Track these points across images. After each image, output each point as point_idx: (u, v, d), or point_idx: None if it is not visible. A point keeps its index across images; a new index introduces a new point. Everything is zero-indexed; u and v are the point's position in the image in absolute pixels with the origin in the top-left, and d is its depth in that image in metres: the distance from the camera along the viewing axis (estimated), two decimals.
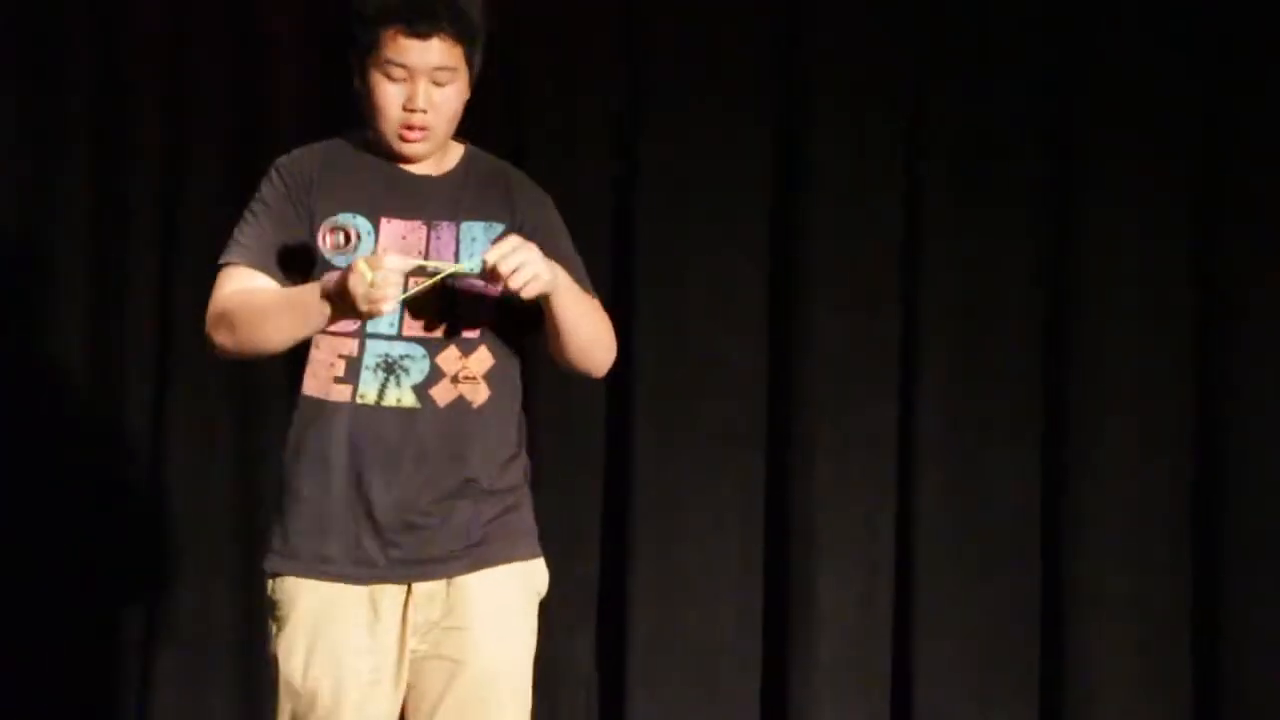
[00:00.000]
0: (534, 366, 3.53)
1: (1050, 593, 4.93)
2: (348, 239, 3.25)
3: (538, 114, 4.87)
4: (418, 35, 3.29)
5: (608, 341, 3.44)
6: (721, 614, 4.87)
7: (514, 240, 3.23)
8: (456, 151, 3.46)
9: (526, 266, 3.19)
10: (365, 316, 3.21)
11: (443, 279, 3.25)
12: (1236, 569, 4.91)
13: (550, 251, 3.31)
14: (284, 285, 3.35)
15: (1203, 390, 4.96)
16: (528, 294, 3.21)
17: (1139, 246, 4.95)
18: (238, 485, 4.81)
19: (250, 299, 3.32)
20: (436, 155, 3.42)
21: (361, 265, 3.14)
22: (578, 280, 3.39)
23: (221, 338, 3.34)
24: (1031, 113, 4.96)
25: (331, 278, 3.23)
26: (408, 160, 3.39)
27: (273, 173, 3.41)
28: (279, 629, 3.38)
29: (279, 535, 3.39)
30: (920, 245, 4.94)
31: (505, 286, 3.20)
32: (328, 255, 3.26)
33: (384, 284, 3.14)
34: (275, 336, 3.32)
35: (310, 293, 3.26)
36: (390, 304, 3.16)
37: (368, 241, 3.32)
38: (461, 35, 3.32)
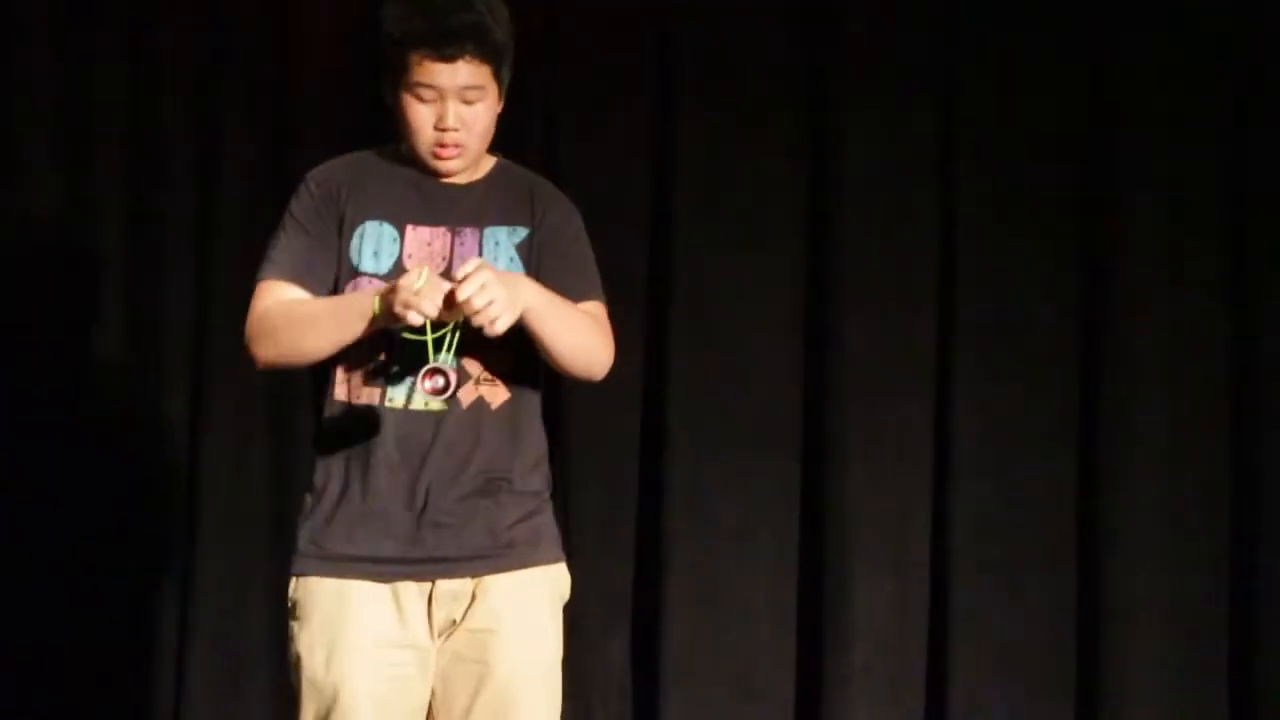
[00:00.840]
0: None
1: (1085, 596, 4.91)
2: (447, 384, 3.29)
3: (571, 118, 4.86)
4: (444, 59, 3.33)
5: (597, 347, 3.42)
6: (755, 617, 4.86)
7: (472, 266, 3.23)
8: (488, 163, 3.50)
9: (492, 298, 3.20)
10: (397, 319, 3.24)
11: (453, 328, 3.31)
12: (1273, 573, 4.89)
13: (556, 253, 3.40)
14: (317, 296, 3.39)
15: (1239, 393, 4.94)
16: (493, 328, 3.22)
17: (1175, 249, 4.93)
18: (271, 488, 4.82)
19: (290, 310, 3.37)
20: (470, 168, 3.46)
21: (418, 270, 3.21)
22: (577, 285, 3.41)
23: (263, 350, 3.38)
24: (1067, 115, 4.94)
25: (379, 287, 3.30)
26: (444, 177, 3.43)
27: (302, 187, 3.46)
28: (300, 628, 3.39)
29: (304, 535, 3.42)
30: (954, 247, 4.92)
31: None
32: (426, 394, 3.31)
33: (428, 292, 3.19)
34: (317, 343, 3.36)
35: (352, 299, 3.33)
36: (419, 316, 3.20)
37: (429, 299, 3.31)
38: (487, 55, 3.36)
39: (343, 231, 3.39)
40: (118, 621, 4.79)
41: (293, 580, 3.42)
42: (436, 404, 3.35)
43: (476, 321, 3.21)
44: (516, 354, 3.39)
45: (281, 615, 3.47)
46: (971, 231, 4.93)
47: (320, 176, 3.46)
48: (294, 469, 4.66)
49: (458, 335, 3.32)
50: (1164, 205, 4.93)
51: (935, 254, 4.93)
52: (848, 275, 4.89)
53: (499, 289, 3.21)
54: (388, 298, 3.24)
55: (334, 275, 3.40)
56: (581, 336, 3.39)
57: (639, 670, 4.87)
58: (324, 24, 4.85)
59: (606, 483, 4.84)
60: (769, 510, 4.87)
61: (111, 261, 4.85)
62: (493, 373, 3.39)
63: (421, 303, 3.20)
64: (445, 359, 3.31)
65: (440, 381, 3.28)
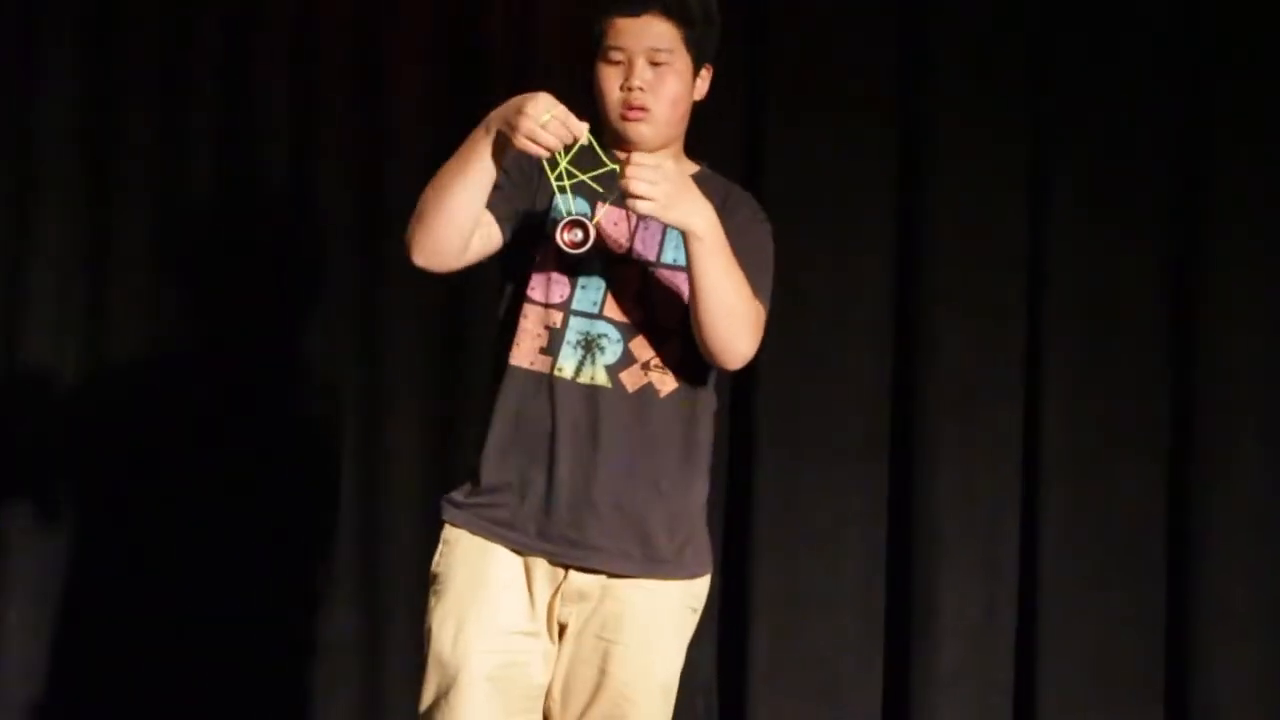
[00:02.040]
0: None
1: (1175, 604, 4.89)
2: (585, 236, 3.26)
3: None
4: (631, 14, 3.35)
5: (745, 326, 3.35)
6: (843, 623, 4.86)
7: (665, 161, 3.23)
8: (689, 167, 3.50)
9: (652, 183, 3.18)
10: (511, 143, 3.20)
11: (580, 146, 3.25)
12: None
13: (733, 246, 3.33)
14: (497, 225, 3.37)
15: None
16: (634, 204, 3.20)
17: (1269, 256, 4.89)
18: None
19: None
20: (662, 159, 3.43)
21: (549, 98, 3.19)
22: (746, 276, 3.35)
23: (411, 233, 3.35)
24: (1158, 119, 4.91)
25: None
26: (631, 147, 3.40)
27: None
28: (436, 602, 3.41)
29: (462, 490, 3.44)
30: (1045, 252, 4.91)
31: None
32: (563, 245, 3.26)
33: (554, 126, 3.17)
34: (445, 195, 3.30)
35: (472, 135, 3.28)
36: (534, 143, 3.17)
37: (601, 361, 3.37)
38: (674, 15, 3.37)
39: (539, 197, 3.38)
40: (264, 619, 4.86)
41: (442, 531, 3.43)
42: (602, 379, 3.36)
43: (627, 190, 3.18)
44: (684, 342, 3.39)
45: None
46: (1062, 237, 4.90)
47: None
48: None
49: (610, 341, 3.33)
50: (1259, 212, 4.89)
51: (1025, 259, 4.91)
52: (938, 281, 4.88)
53: (667, 185, 3.19)
54: (510, 118, 3.20)
55: (515, 224, 3.38)
56: (737, 302, 3.32)
57: (726, 675, 4.87)
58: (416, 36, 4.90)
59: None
60: (858, 516, 4.87)
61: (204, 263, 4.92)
62: (662, 360, 3.38)
63: (545, 137, 3.18)
64: (574, 205, 3.26)
65: (579, 234, 3.25)
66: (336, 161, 4.92)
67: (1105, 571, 4.88)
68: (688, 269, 3.30)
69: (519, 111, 3.19)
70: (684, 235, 3.27)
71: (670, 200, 3.21)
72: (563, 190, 3.29)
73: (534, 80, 4.48)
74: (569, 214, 3.27)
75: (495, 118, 3.24)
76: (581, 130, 3.21)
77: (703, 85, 3.47)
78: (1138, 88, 4.91)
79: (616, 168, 3.27)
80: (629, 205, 3.22)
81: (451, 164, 3.31)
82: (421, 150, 4.77)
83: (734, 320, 3.33)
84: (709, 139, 4.73)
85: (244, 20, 4.91)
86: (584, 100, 3.41)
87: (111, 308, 4.90)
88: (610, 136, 3.42)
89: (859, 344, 4.88)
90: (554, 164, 3.27)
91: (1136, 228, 4.92)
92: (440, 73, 4.89)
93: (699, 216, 3.25)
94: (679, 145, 3.51)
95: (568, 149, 3.24)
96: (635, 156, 3.24)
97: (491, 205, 3.36)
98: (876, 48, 4.90)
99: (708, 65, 3.46)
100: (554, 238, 3.26)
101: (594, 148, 3.28)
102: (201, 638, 4.80)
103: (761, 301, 3.40)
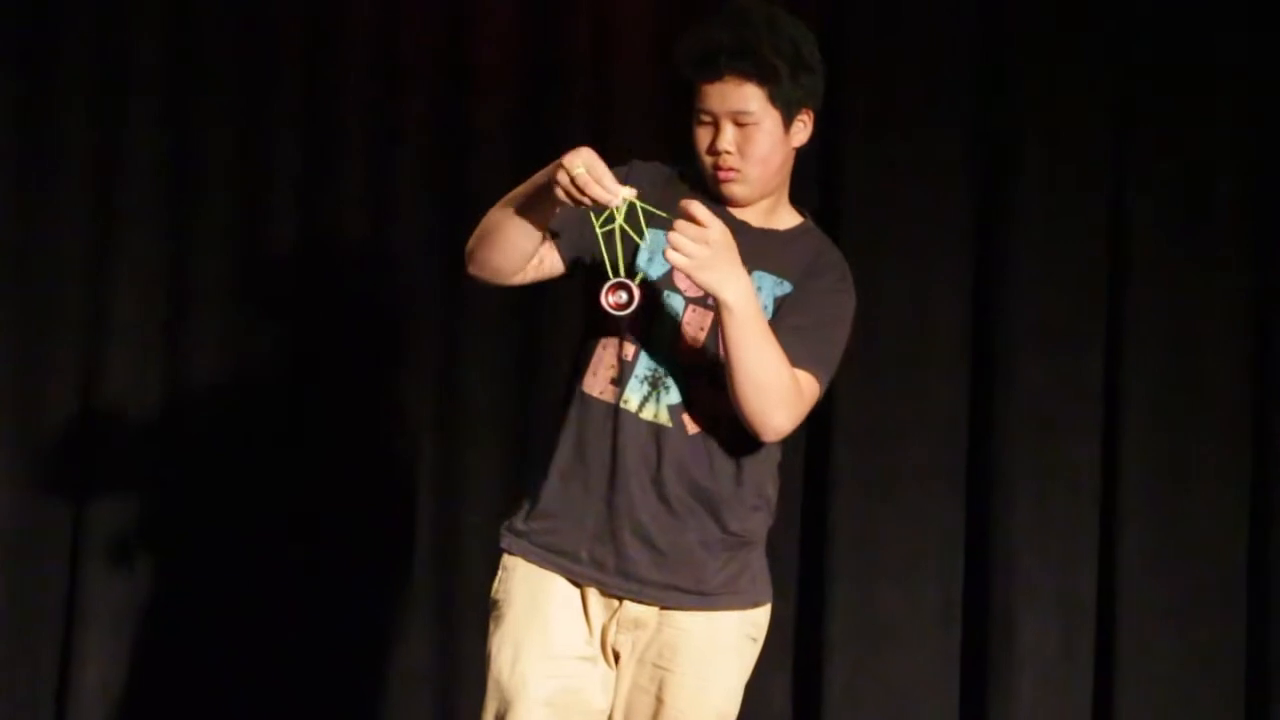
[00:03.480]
0: None
1: (1255, 640, 4.85)
2: (630, 298, 3.24)
3: None
4: (711, 79, 3.35)
5: (776, 401, 3.30)
6: (920, 656, 4.85)
7: (713, 222, 3.19)
8: (790, 218, 3.50)
9: (693, 241, 3.17)
10: (556, 194, 3.20)
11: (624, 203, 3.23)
12: None
13: (800, 309, 3.35)
14: (565, 253, 3.40)
15: None
16: (670, 257, 3.18)
17: None
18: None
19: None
20: (764, 210, 3.45)
21: (587, 154, 3.18)
22: (801, 349, 3.33)
23: (472, 243, 3.39)
24: (1237, 148, 4.88)
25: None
26: (730, 205, 3.42)
27: (620, 170, 3.41)
28: (495, 627, 3.44)
29: (521, 514, 3.46)
30: (1123, 284, 4.88)
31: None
32: (608, 308, 3.26)
33: (582, 180, 3.16)
34: (503, 220, 3.32)
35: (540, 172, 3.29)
36: (566, 196, 3.17)
37: (665, 399, 3.37)
38: (752, 75, 3.35)
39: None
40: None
41: (502, 560, 3.45)
42: (664, 418, 3.36)
43: (670, 244, 3.17)
44: None
45: None
46: (1142, 268, 4.87)
47: (641, 167, 3.47)
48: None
49: (675, 380, 3.32)
50: None
51: (1104, 290, 4.88)
52: (1016, 312, 4.86)
53: (706, 248, 3.17)
54: (554, 167, 3.21)
55: (584, 256, 3.39)
56: (765, 376, 3.29)
57: (802, 706, 4.86)
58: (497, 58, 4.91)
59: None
60: (935, 548, 4.85)
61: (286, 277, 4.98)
62: (724, 402, 3.34)
63: (574, 191, 3.17)
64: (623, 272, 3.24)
65: (623, 296, 3.23)
66: (416, 188, 4.94)
67: (1184, 605, 4.85)
68: (720, 336, 3.29)
69: (558, 162, 3.20)
70: (716, 302, 3.26)
71: (706, 263, 3.19)
72: (610, 243, 3.27)
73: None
74: (613, 275, 3.25)
75: (555, 164, 3.25)
76: (608, 196, 3.18)
77: (802, 132, 3.44)
78: (1219, 120, 4.88)
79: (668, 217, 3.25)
80: (664, 252, 3.21)
81: (514, 194, 3.33)
82: (500, 176, 4.78)
83: (762, 394, 3.29)
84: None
85: (324, 57, 4.95)
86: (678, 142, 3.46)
87: (192, 334, 4.94)
88: (709, 188, 3.43)
89: (936, 375, 4.87)
90: (600, 214, 3.25)
91: (1217, 260, 4.88)
92: (518, 106, 4.91)
93: (732, 287, 3.23)
94: (781, 194, 3.50)
95: (604, 210, 3.23)
96: (692, 208, 3.20)
97: (558, 234, 3.39)
98: (955, 77, 4.89)
99: (807, 110, 3.43)
100: (600, 298, 3.25)
101: (639, 210, 3.26)
102: (277, 666, 4.83)
103: (815, 373, 3.37)
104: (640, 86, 4.86)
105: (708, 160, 3.40)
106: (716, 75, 3.35)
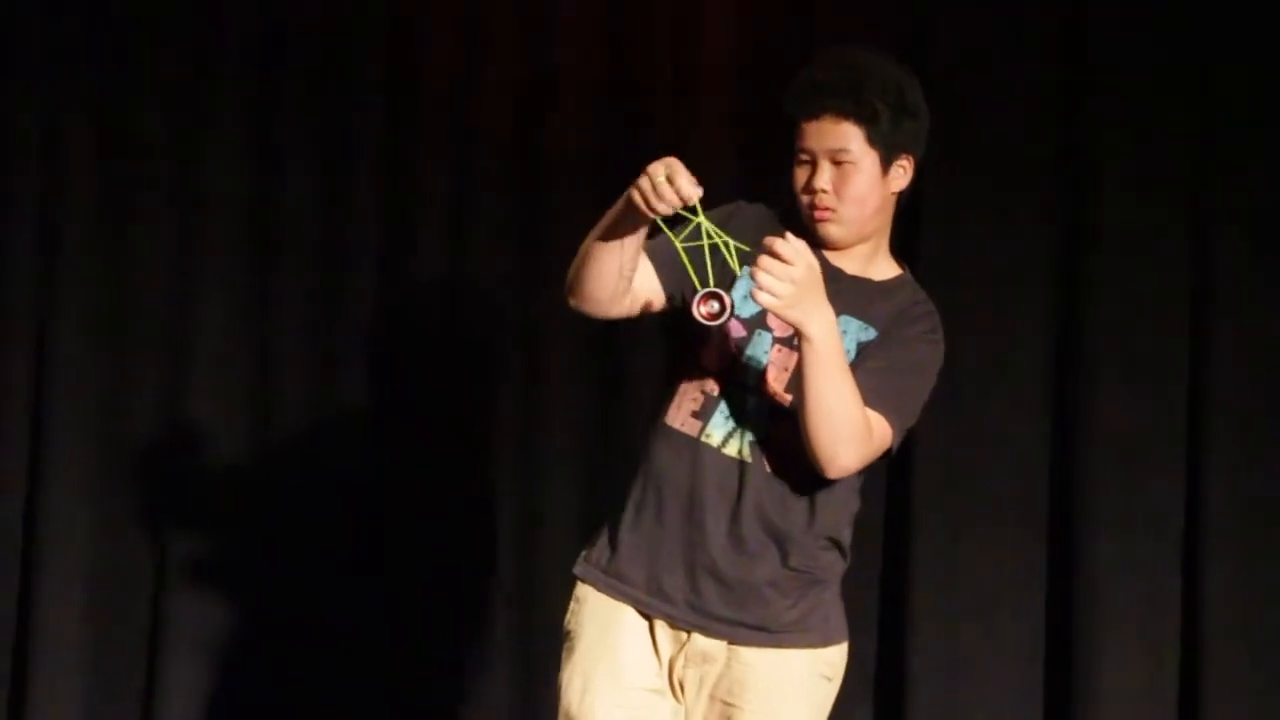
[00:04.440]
0: None
1: None
2: (722, 308, 3.23)
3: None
4: (810, 117, 3.37)
5: (846, 441, 3.29)
6: (1002, 694, 4.82)
7: (798, 257, 3.18)
8: (889, 269, 3.51)
9: (779, 279, 3.16)
10: (639, 206, 3.20)
11: (713, 239, 3.24)
12: None
13: (881, 354, 3.35)
14: (659, 279, 3.40)
15: None
16: (756, 294, 3.18)
17: None
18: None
19: None
20: (862, 258, 3.45)
21: (672, 161, 3.17)
22: (877, 392, 3.33)
23: (570, 274, 3.39)
24: None
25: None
26: (827, 247, 3.43)
27: (725, 209, 3.45)
28: (567, 658, 3.46)
29: (596, 544, 3.48)
30: (1207, 319, 4.84)
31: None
32: (700, 318, 3.24)
33: (663, 188, 3.14)
34: (592, 248, 3.32)
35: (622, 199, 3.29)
36: (646, 204, 3.16)
37: (748, 436, 3.37)
38: (851, 114, 3.36)
39: (739, 258, 3.36)
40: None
41: (575, 589, 3.48)
42: (746, 453, 3.36)
43: (756, 282, 3.16)
44: None
45: None
46: (1225, 301, 4.84)
47: (747, 209, 3.48)
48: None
49: (732, 250, 3.28)
50: None
51: (1187, 323, 4.85)
52: (1098, 346, 4.83)
53: (791, 285, 3.16)
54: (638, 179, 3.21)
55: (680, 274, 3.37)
56: (840, 411, 3.28)
57: None
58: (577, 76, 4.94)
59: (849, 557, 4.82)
60: (1016, 587, 4.82)
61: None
62: (802, 440, 3.34)
63: (653, 200, 3.16)
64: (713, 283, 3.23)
65: (715, 306, 3.22)
66: (496, 221, 4.96)
67: (1271, 644, 4.80)
68: (799, 367, 3.29)
69: (642, 171, 3.20)
70: (798, 335, 3.26)
71: (792, 299, 3.18)
72: (697, 256, 3.28)
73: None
74: (700, 284, 3.24)
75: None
76: (691, 195, 3.18)
77: (902, 178, 3.44)
78: None
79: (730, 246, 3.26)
80: (752, 293, 3.21)
81: (602, 220, 3.33)
82: (581, 208, 4.80)
83: (831, 429, 3.28)
84: None
85: (404, 92, 4.98)
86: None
87: (276, 366, 4.97)
88: (808, 230, 3.43)
89: (1017, 411, 4.84)
90: (682, 232, 3.26)
91: None
92: (601, 135, 4.93)
93: (816, 321, 3.23)
94: (880, 240, 3.50)
95: (677, 220, 3.23)
96: (776, 245, 3.19)
97: (660, 267, 3.40)
98: (1036, 113, 4.87)
99: (908, 155, 3.43)
100: (691, 309, 3.24)
101: (724, 244, 3.26)
102: (358, 700, 4.84)
103: (888, 416, 3.36)
104: (720, 121, 4.87)
105: (804, 199, 3.41)
106: (816, 113, 3.36)
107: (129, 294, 4.96)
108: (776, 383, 3.39)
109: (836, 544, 3.47)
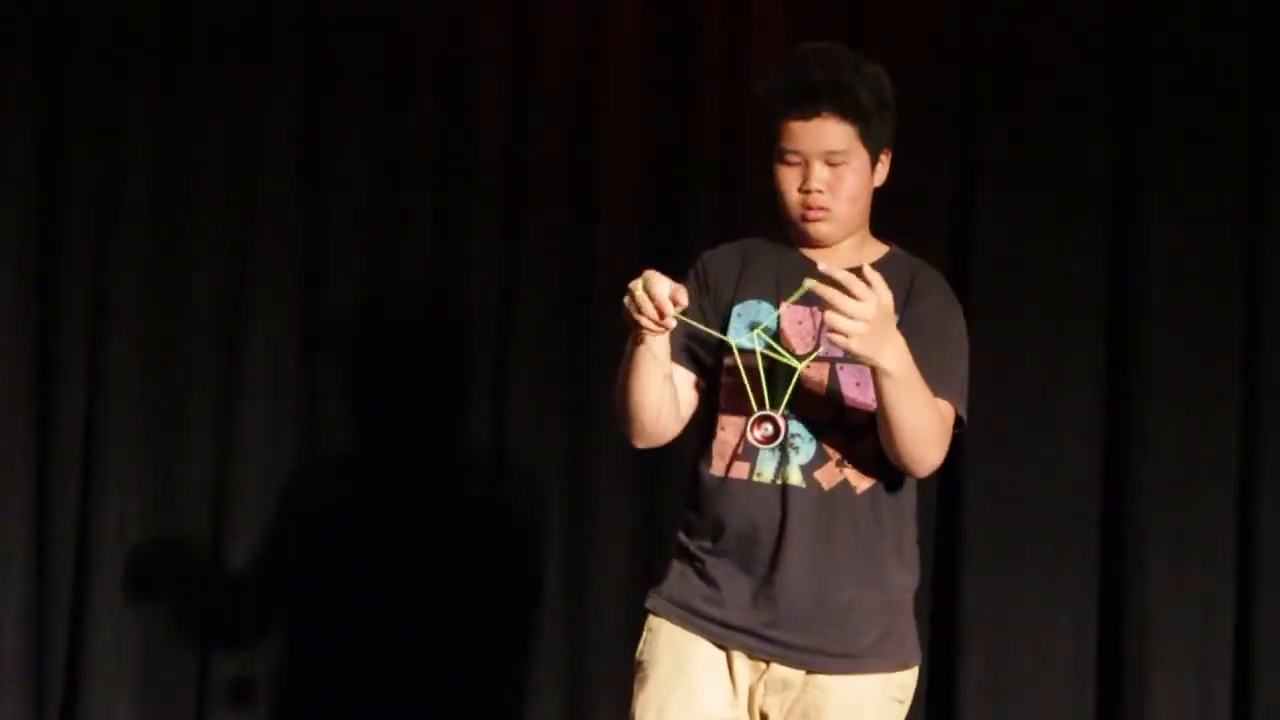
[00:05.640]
0: None
1: None
2: (776, 431, 3.30)
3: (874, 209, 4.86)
4: (804, 117, 3.38)
5: (931, 444, 3.36)
6: (1052, 715, 4.79)
7: (869, 295, 3.17)
8: (876, 250, 3.53)
9: (853, 320, 3.15)
10: (639, 338, 3.26)
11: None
12: None
13: (918, 340, 3.32)
14: (692, 374, 3.46)
15: None
16: (834, 339, 3.19)
17: None
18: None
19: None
20: (850, 248, 3.48)
21: (649, 275, 3.23)
22: (932, 379, 3.35)
23: (618, 425, 3.47)
24: None
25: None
26: (816, 245, 3.46)
27: (691, 272, 3.51)
28: (639, 689, 3.47)
29: (667, 578, 3.50)
30: (1259, 343, 4.82)
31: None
32: (755, 442, 3.32)
33: (640, 303, 3.21)
34: (627, 394, 3.39)
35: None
36: (648, 322, 3.23)
37: (796, 461, 3.40)
38: (848, 114, 3.38)
39: (723, 311, 3.43)
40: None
41: (646, 623, 3.49)
42: (796, 479, 3.37)
43: (830, 325, 3.16)
44: (877, 438, 3.39)
45: None
46: (1278, 329, 4.81)
47: (711, 259, 3.52)
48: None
49: (794, 383, 3.31)
50: None
51: (1239, 349, 4.82)
52: (1150, 369, 4.81)
53: (864, 326, 3.15)
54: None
55: (713, 355, 3.44)
56: (926, 424, 3.33)
57: None
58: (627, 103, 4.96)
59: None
60: (1067, 607, 4.80)
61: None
62: (857, 456, 3.39)
63: (636, 316, 3.23)
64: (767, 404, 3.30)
65: (769, 429, 3.28)
66: (544, 257, 4.97)
67: None
68: (876, 396, 3.30)
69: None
70: (873, 370, 3.26)
71: (865, 339, 3.19)
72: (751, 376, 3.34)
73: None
74: (757, 407, 3.31)
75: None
76: (665, 303, 3.22)
77: (883, 171, 3.49)
78: None
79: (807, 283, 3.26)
80: (830, 338, 3.21)
81: (623, 364, 3.38)
82: (629, 225, 4.84)
83: (922, 442, 3.34)
84: (917, 231, 4.80)
85: (458, 103, 4.99)
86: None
87: (324, 394, 4.99)
88: (794, 233, 3.47)
89: (1069, 433, 4.82)
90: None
91: None
92: (646, 175, 4.95)
93: (890, 354, 3.23)
94: (864, 231, 3.53)
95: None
96: (851, 284, 3.16)
97: (679, 360, 3.44)
98: (1088, 134, 4.85)
99: (887, 150, 3.47)
100: (745, 434, 3.32)
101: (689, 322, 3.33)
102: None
103: (951, 397, 3.40)
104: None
105: (795, 199, 3.43)
106: (813, 113, 3.37)
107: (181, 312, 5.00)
108: (814, 398, 3.39)
109: (905, 560, 3.48)
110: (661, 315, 3.23)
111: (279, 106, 4.99)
